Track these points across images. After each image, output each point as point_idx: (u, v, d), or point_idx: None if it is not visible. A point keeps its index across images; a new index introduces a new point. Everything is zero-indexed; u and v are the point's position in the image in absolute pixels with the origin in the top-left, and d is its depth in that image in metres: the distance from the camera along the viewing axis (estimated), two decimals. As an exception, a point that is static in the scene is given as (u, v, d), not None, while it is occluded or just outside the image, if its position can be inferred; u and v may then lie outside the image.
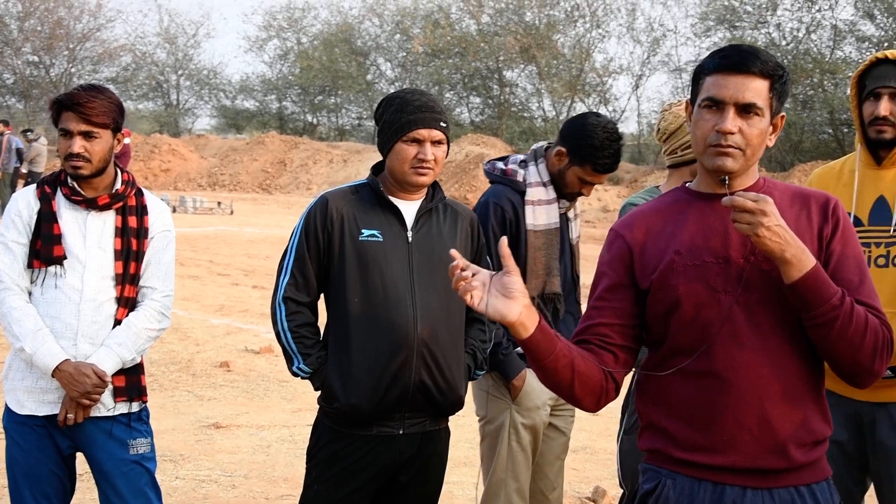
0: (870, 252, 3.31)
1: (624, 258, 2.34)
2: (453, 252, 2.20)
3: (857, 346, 2.17)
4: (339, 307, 3.08)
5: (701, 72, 2.29)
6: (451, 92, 44.23)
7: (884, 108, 3.29)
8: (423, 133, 3.05)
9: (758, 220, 2.09)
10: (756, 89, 2.21)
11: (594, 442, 6.71)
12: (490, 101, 43.71)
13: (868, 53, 31.20)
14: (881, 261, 3.30)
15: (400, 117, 3.06)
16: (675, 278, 2.25)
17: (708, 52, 2.68)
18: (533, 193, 3.66)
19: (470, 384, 3.41)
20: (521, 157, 3.82)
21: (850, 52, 34.56)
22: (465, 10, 42.90)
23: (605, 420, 7.08)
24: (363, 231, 3.07)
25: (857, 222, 3.35)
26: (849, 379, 2.27)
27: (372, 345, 3.02)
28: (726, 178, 2.25)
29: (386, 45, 47.30)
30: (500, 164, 3.79)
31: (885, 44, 32.10)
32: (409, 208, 3.14)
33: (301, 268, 3.10)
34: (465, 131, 38.73)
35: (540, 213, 3.64)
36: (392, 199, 3.13)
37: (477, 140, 34.82)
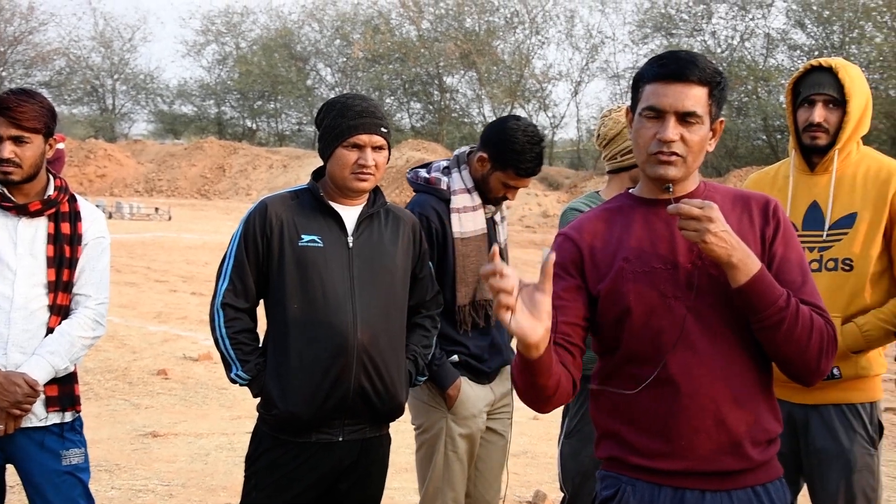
0: (803, 257, 3.37)
1: (576, 261, 2.33)
2: (495, 251, 1.96)
3: (804, 347, 2.20)
4: (279, 313, 3.05)
5: (640, 79, 2.30)
6: (392, 97, 44.27)
7: (818, 114, 3.34)
8: (363, 138, 3.03)
9: (704, 226, 2.11)
10: (695, 97, 2.22)
11: (535, 446, 6.74)
12: (430, 107, 43.83)
13: (800, 61, 31.96)
14: (814, 265, 3.35)
15: (341, 122, 3.04)
16: (626, 285, 2.25)
17: (646, 59, 2.68)
18: (458, 201, 3.62)
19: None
20: (444, 163, 3.78)
21: (783, 60, 35.39)
22: (405, 15, 42.98)
23: (545, 424, 7.12)
24: (303, 236, 3.04)
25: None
26: (795, 378, 2.30)
27: (311, 351, 2.99)
28: (670, 185, 2.27)
29: (326, 50, 47.20)
30: (423, 172, 3.74)
31: (816, 52, 32.88)
32: (349, 214, 3.12)
33: (240, 274, 3.06)
34: (405, 137, 38.77)
35: (466, 221, 3.60)
36: (333, 204, 3.10)
37: (417, 145, 34.89)
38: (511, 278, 1.93)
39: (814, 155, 3.41)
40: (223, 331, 3.03)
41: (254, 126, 49.53)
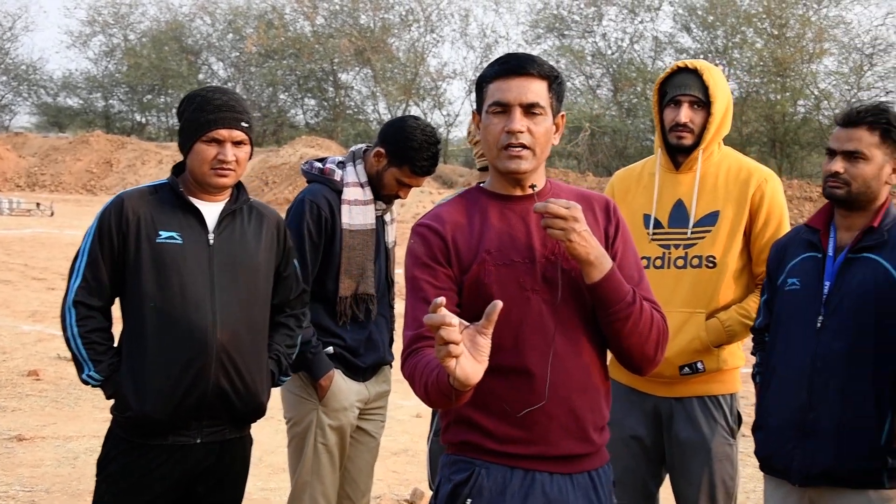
0: (669, 254, 3.43)
1: (443, 250, 2.37)
2: (439, 301, 1.90)
3: (646, 339, 2.33)
4: (135, 311, 2.94)
5: (483, 80, 2.40)
6: (286, 93, 43.87)
7: (684, 115, 3.41)
8: (223, 133, 2.95)
9: (570, 226, 2.21)
10: (536, 90, 2.33)
11: (415, 444, 6.70)
12: (325, 104, 43.55)
13: (686, 65, 32.80)
14: (680, 262, 3.42)
15: (199, 116, 2.96)
16: (488, 277, 2.32)
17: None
18: (350, 193, 3.64)
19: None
20: (340, 158, 3.80)
21: (670, 63, 36.26)
22: (298, 10, 42.59)
23: (425, 422, 7.10)
24: (161, 233, 2.95)
25: (658, 224, 3.46)
26: (631, 368, 2.41)
27: (168, 350, 2.90)
28: (535, 186, 2.38)
29: (218, 44, 46.45)
30: (318, 164, 3.76)
31: (702, 55, 33.84)
32: (211, 210, 3.03)
33: (94, 270, 2.95)
34: (299, 133, 38.47)
35: (356, 213, 3.63)
36: (193, 200, 3.01)
37: (312, 142, 34.59)
38: (457, 328, 1.93)
39: (678, 154, 3.47)
40: (74, 329, 2.92)
41: (143, 120, 48.37)
